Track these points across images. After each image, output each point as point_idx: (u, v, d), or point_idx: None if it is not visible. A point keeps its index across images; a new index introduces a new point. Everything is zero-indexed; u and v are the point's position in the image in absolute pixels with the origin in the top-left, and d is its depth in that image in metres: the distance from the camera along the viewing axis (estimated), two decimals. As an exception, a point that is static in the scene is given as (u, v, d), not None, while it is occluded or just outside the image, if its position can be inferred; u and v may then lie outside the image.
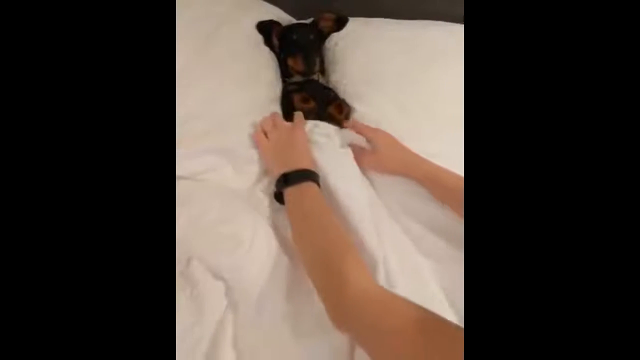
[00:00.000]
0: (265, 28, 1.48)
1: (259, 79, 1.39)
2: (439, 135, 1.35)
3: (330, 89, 1.51)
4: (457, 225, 1.04)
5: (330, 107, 1.41)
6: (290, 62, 1.48)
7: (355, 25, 1.56)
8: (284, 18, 1.60)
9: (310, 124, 1.27)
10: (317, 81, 1.52)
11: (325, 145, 1.18)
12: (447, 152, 1.25)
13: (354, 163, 1.18)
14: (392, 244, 1.03)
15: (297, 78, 1.50)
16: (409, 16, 1.61)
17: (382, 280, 0.92)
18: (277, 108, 1.38)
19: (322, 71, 1.56)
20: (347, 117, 1.41)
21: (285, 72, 1.52)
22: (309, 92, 1.44)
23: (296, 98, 1.41)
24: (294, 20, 1.63)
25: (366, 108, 1.37)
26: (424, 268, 1.04)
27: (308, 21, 1.59)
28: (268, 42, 1.49)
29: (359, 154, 1.22)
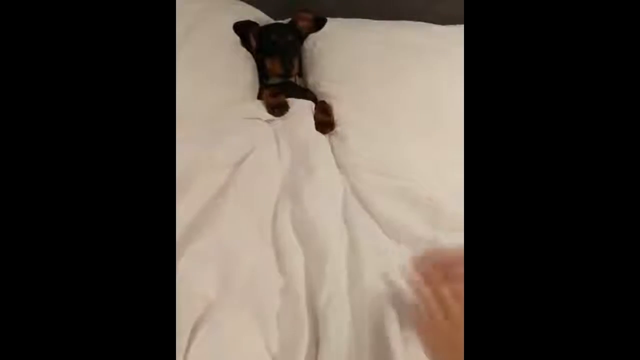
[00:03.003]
0: (242, 29, 1.46)
1: (237, 81, 1.36)
2: (418, 138, 1.32)
3: (308, 91, 1.48)
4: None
5: (316, 112, 1.34)
6: (268, 63, 1.46)
7: (334, 26, 1.54)
8: (261, 18, 1.57)
9: None
10: (295, 83, 1.50)
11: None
12: (425, 156, 1.25)
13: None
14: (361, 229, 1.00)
15: (275, 80, 1.47)
16: (389, 16, 1.60)
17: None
18: (254, 109, 1.34)
19: (300, 73, 1.53)
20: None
21: (263, 74, 1.49)
22: (287, 94, 1.41)
23: (265, 93, 1.37)
24: (272, 21, 1.60)
25: (343, 110, 1.35)
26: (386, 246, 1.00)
27: (286, 21, 1.56)
28: (245, 43, 1.46)
29: None
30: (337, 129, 1.30)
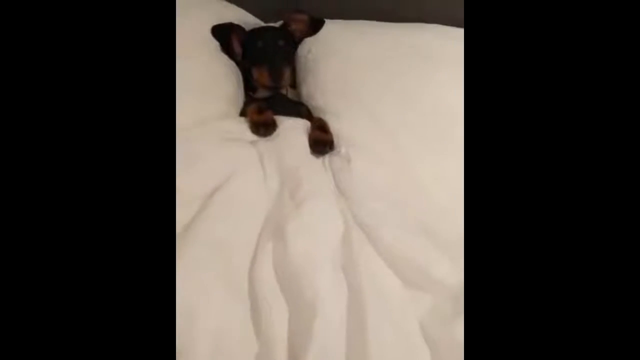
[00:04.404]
0: (223, 33, 1.27)
1: (214, 93, 1.18)
2: (425, 156, 1.15)
3: (301, 104, 1.30)
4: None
5: (311, 130, 1.18)
6: (255, 73, 1.27)
7: (332, 29, 1.35)
8: (247, 21, 1.38)
9: None
10: (286, 96, 1.32)
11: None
12: (441, 177, 1.10)
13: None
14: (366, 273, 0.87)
15: (263, 93, 1.30)
16: (395, 18, 1.39)
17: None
18: (235, 127, 1.15)
19: (293, 84, 1.34)
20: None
21: (249, 86, 1.31)
22: (276, 109, 1.22)
23: (250, 109, 1.19)
24: (261, 24, 1.41)
25: (340, 125, 1.19)
26: (400, 297, 0.87)
27: (277, 24, 1.38)
28: (226, 49, 1.27)
29: None
30: (340, 149, 1.15)
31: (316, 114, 1.26)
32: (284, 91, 1.30)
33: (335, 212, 0.99)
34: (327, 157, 1.14)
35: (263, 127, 1.13)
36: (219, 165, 1.02)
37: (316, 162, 1.13)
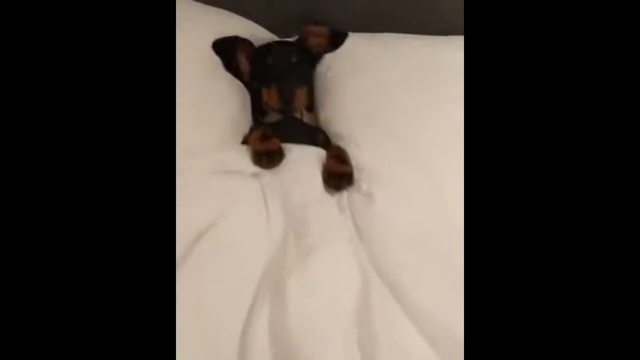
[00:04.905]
0: (226, 48, 1.11)
1: (211, 118, 1.02)
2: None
3: (318, 131, 1.12)
4: None
5: (328, 160, 1.01)
6: (264, 94, 1.11)
7: (356, 43, 1.18)
8: (259, 36, 1.21)
9: None
10: (301, 120, 1.14)
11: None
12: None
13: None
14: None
15: (273, 117, 1.13)
16: (429, 30, 1.21)
17: None
18: (234, 158, 0.98)
19: (310, 107, 1.17)
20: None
21: (258, 109, 1.14)
22: (287, 136, 1.04)
23: (252, 136, 1.03)
24: (275, 38, 1.25)
25: (362, 154, 1.02)
26: None
27: (293, 39, 1.21)
28: (230, 66, 1.11)
29: None
30: (361, 185, 0.98)
31: (336, 142, 1.09)
32: (298, 115, 1.13)
33: (352, 265, 0.83)
34: (344, 194, 0.97)
35: (266, 157, 0.95)
36: (206, 203, 0.87)
37: (331, 201, 0.96)
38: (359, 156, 1.02)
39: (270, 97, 1.08)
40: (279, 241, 0.86)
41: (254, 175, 0.96)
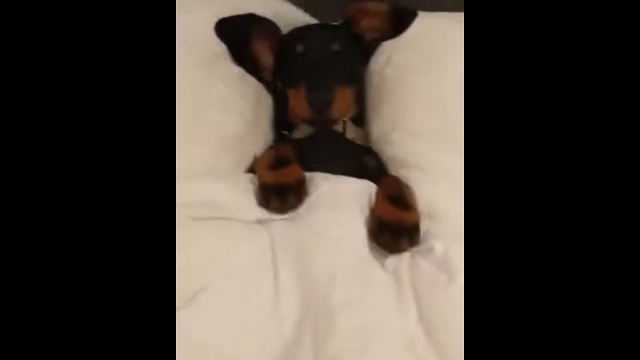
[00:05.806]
0: (236, 31, 0.79)
1: (206, 133, 0.71)
2: None
3: (368, 152, 0.80)
4: None
5: (378, 201, 0.69)
6: (291, 98, 0.79)
7: (429, 26, 0.83)
8: (290, 18, 0.89)
9: None
10: (342, 136, 0.80)
11: None
12: None
13: None
14: None
15: (303, 130, 0.80)
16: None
17: None
18: (229, 190, 0.67)
19: (358, 117, 0.83)
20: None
21: (283, 119, 0.83)
22: (319, 159, 0.73)
23: (261, 160, 0.73)
24: (313, 21, 0.93)
25: (436, 192, 0.71)
26: None
27: (338, 23, 0.88)
28: (241, 57, 0.80)
29: None
30: (433, 243, 0.64)
31: (395, 169, 0.76)
32: (338, 128, 0.79)
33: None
34: (405, 260, 0.62)
35: (278, 195, 0.63)
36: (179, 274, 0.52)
37: (380, 272, 0.61)
38: (431, 194, 0.70)
39: (297, 100, 0.74)
40: (290, 340, 0.53)
41: (260, 223, 0.63)
